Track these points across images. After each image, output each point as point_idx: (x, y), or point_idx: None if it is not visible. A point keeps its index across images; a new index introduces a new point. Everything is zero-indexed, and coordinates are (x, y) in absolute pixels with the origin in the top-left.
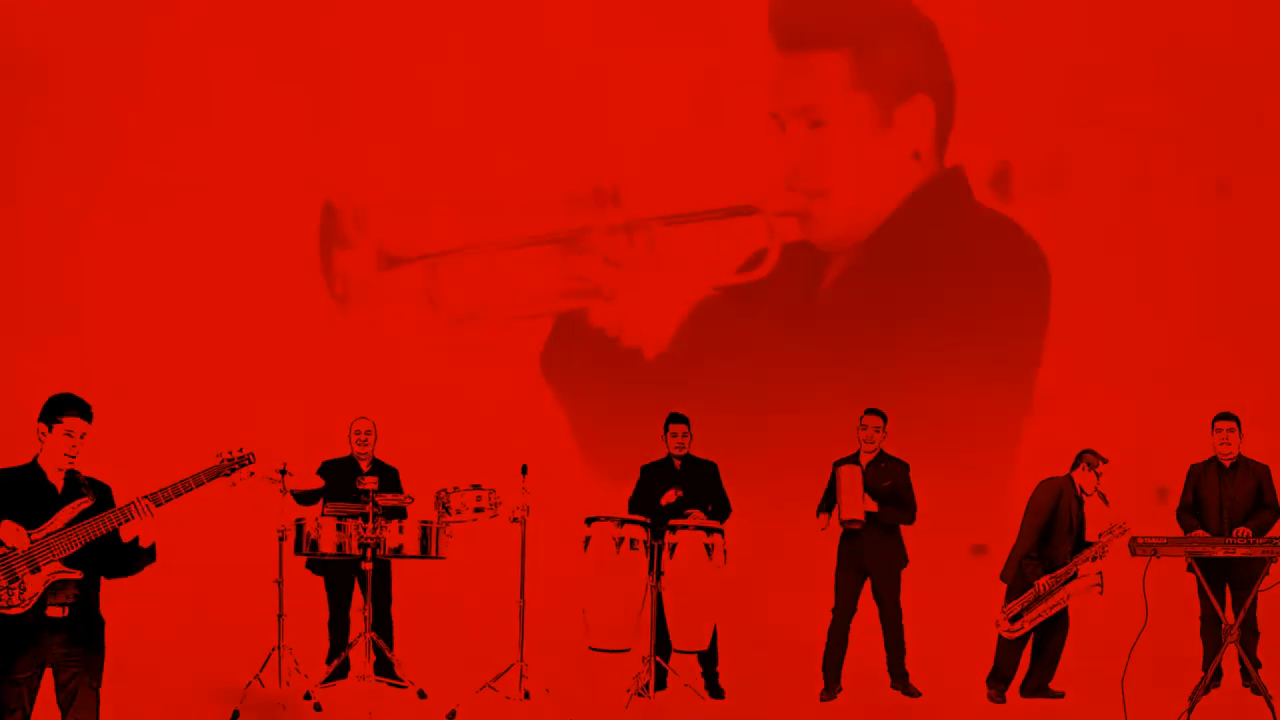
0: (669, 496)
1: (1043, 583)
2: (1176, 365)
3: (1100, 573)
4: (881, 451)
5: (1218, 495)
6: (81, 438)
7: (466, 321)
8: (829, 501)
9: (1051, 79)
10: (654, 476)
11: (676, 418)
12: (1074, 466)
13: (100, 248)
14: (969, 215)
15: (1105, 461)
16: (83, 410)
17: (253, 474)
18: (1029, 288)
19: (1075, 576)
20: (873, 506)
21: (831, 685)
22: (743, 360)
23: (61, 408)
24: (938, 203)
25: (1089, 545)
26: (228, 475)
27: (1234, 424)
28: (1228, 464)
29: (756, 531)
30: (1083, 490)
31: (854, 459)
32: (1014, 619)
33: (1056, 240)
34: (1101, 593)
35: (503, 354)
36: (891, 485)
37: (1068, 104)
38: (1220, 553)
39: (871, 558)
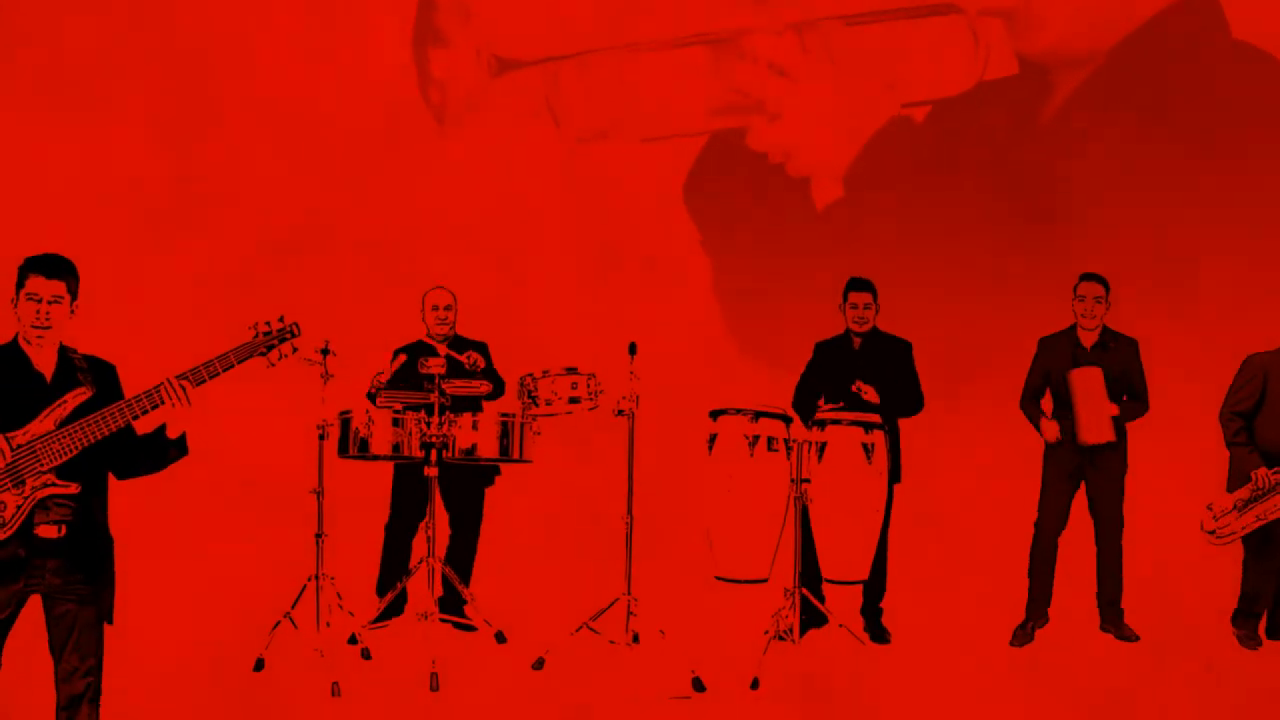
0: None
1: (1261, 474)
2: None
3: None
4: (1105, 327)
5: None
6: (53, 303)
7: (594, 142)
8: (1037, 395)
9: None
10: (829, 356)
11: (858, 283)
12: None
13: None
14: (1225, 50)
15: None
16: (47, 267)
17: (296, 350)
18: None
19: None
20: (1114, 409)
21: (1028, 625)
22: (940, 203)
23: (24, 270)
24: (1187, 29)
25: None
26: (264, 353)
27: None
28: None
29: (941, 429)
30: None
31: (1070, 342)
32: (1226, 518)
33: None
34: None
35: (637, 184)
36: (1124, 371)
37: None
38: None
39: (1094, 460)
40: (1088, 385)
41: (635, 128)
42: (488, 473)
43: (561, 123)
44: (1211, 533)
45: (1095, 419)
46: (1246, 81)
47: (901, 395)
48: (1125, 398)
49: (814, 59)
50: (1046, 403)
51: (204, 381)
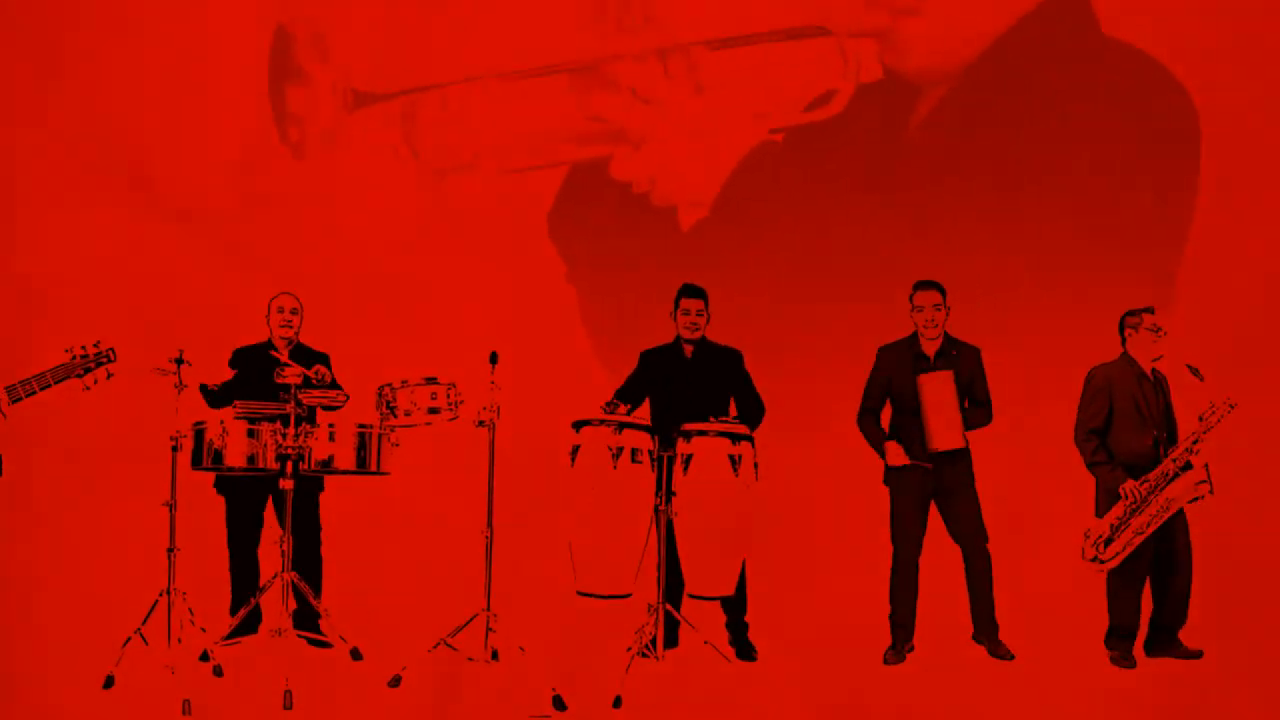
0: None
1: (1130, 488)
2: None
3: (1206, 466)
4: (946, 335)
5: None
6: None
7: (454, 174)
8: (877, 408)
9: None
10: (657, 366)
11: (690, 291)
12: (1123, 342)
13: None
14: (1096, 49)
15: (1150, 312)
16: None
17: (111, 375)
18: (1172, 141)
19: (1176, 475)
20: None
21: (900, 644)
22: (805, 224)
23: None
24: (1055, 31)
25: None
26: (80, 375)
27: None
28: None
29: (802, 443)
30: (1152, 367)
31: (911, 351)
32: (1105, 544)
33: (1208, 85)
34: (1211, 492)
35: (499, 215)
36: (968, 379)
37: None
38: None
39: (942, 474)
40: (938, 390)
41: (496, 159)
42: (319, 479)
43: (420, 155)
44: (1094, 559)
45: (946, 425)
46: (1119, 79)
47: (743, 406)
48: (968, 404)
49: (678, 84)
50: (887, 419)
51: (20, 399)
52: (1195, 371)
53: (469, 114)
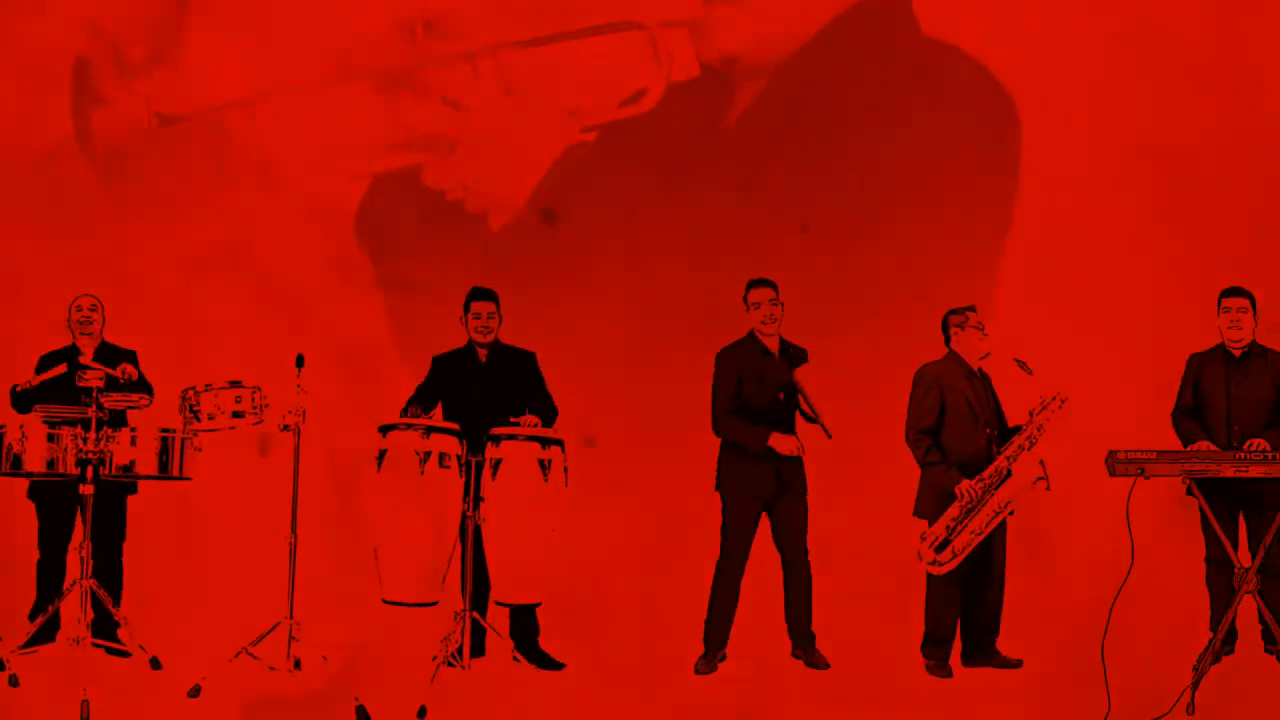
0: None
1: (966, 488)
2: (1178, 231)
3: (1041, 462)
4: (780, 338)
5: (1225, 394)
6: None
7: (262, 186)
8: (736, 405)
9: None
10: (450, 370)
11: (479, 293)
12: (947, 340)
13: None
14: (916, 47)
15: (974, 310)
16: None
17: None
18: (993, 145)
19: (1009, 474)
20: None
21: (711, 655)
22: (621, 224)
23: None
24: (875, 27)
25: (1017, 431)
26: None
27: (1247, 302)
28: (1238, 354)
29: (617, 448)
30: (972, 364)
31: (757, 348)
32: (940, 547)
33: (1026, 82)
34: (1048, 487)
35: (309, 222)
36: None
37: None
38: (1230, 472)
39: (778, 481)
40: (809, 380)
41: (305, 169)
42: (130, 484)
43: (227, 172)
44: (931, 563)
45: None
46: (939, 79)
47: (536, 409)
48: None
49: (488, 87)
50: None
51: None
52: (1024, 365)
53: (276, 128)
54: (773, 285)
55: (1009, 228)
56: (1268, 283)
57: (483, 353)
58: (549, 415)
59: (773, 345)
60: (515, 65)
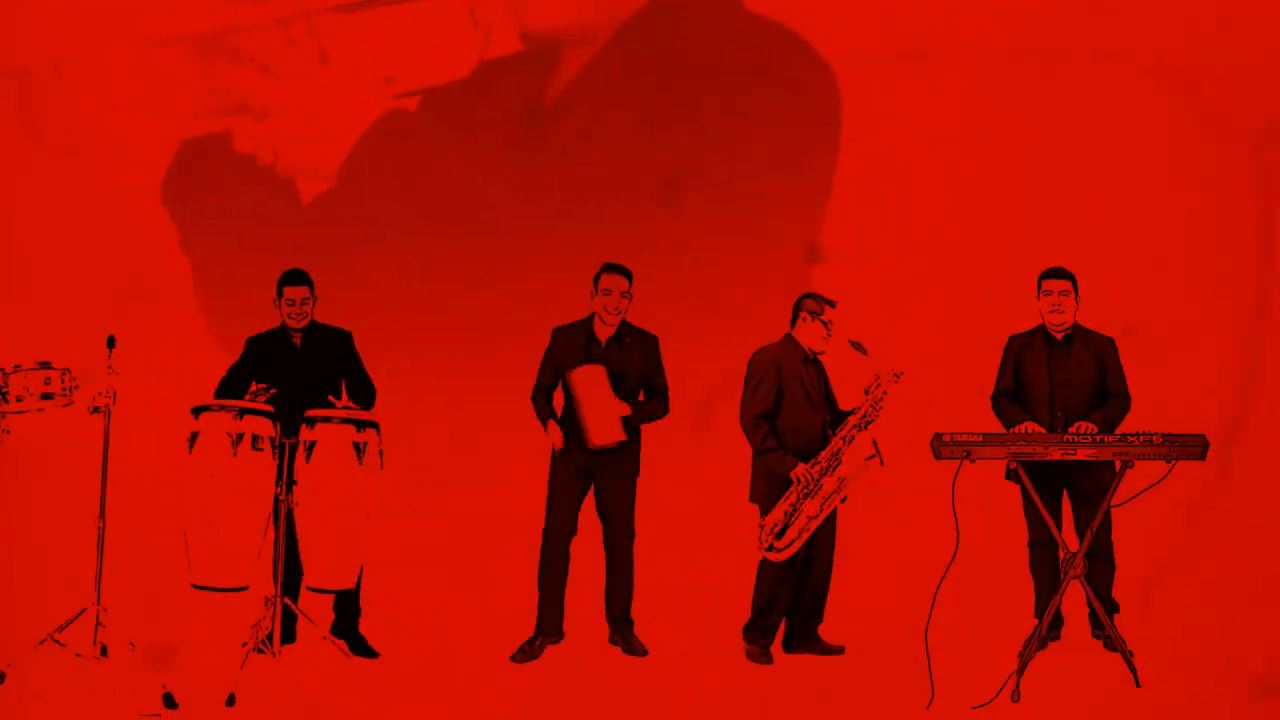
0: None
1: (802, 471)
2: (997, 211)
3: (874, 441)
4: (625, 323)
5: (1047, 378)
6: None
7: (74, 150)
8: (550, 389)
9: None
10: (263, 352)
11: (293, 277)
12: (792, 323)
13: None
14: (739, 21)
15: (833, 305)
16: None
17: None
18: (813, 118)
19: (845, 457)
20: (625, 409)
21: (537, 641)
22: (439, 198)
23: None
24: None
25: (853, 413)
26: None
27: (1068, 284)
28: (1060, 336)
29: (449, 425)
30: (812, 351)
31: (586, 335)
32: (780, 533)
33: (850, 63)
34: (881, 463)
35: (116, 190)
36: (641, 368)
37: None
38: (1057, 455)
39: (599, 464)
40: (590, 384)
41: (115, 133)
42: None
43: (36, 131)
44: (769, 549)
45: (602, 419)
46: (762, 53)
47: (353, 389)
48: (642, 396)
49: (303, 53)
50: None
51: None
52: (859, 346)
53: (88, 88)
54: (626, 274)
55: (828, 204)
56: (1092, 265)
57: (297, 336)
58: (368, 396)
59: (604, 334)
60: (330, 31)
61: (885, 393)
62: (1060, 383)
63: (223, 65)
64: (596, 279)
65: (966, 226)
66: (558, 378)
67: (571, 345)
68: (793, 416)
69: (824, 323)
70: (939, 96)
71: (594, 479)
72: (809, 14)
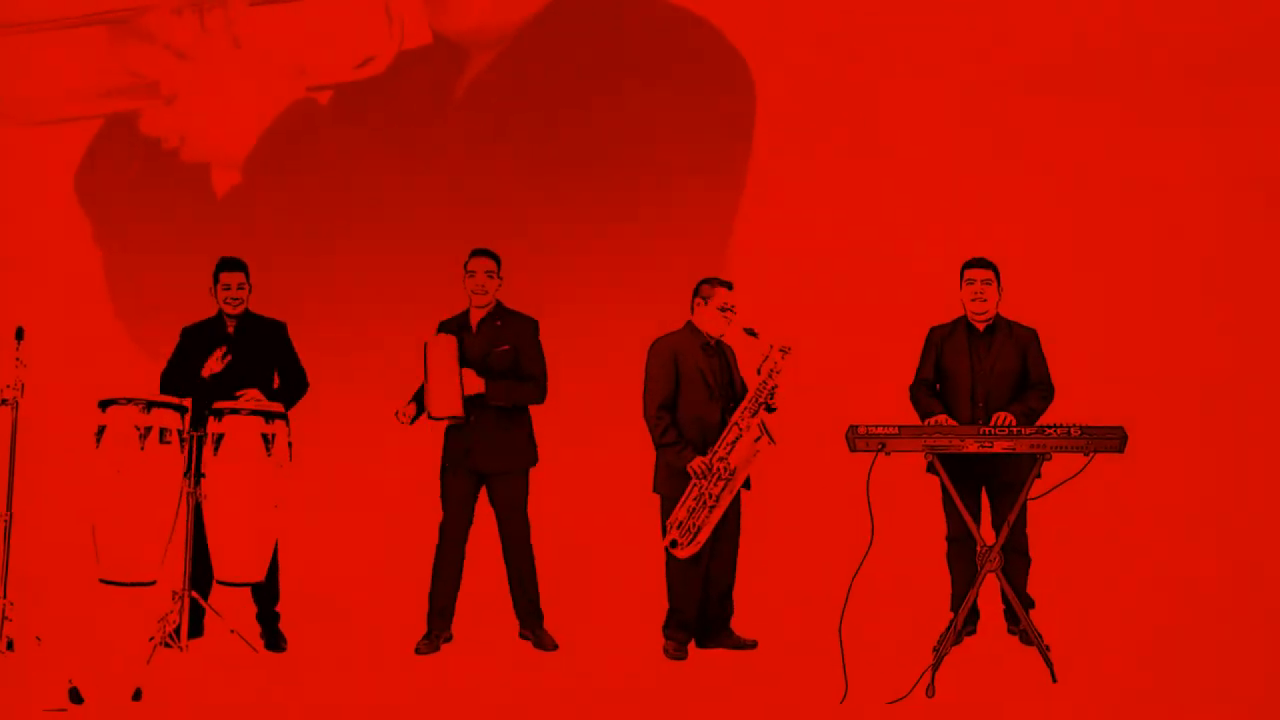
0: (214, 364)
1: (698, 464)
2: (915, 202)
3: (762, 423)
4: (499, 304)
5: (969, 368)
6: None
7: None
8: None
9: None
10: (198, 341)
11: (229, 264)
12: (691, 309)
13: None
14: (651, 12)
15: (728, 287)
16: None
17: None
18: (726, 109)
19: (739, 438)
20: (479, 386)
21: (433, 635)
22: (345, 187)
23: None
24: None
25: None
26: None
27: (991, 274)
28: (981, 327)
29: (343, 414)
30: (711, 336)
31: (459, 320)
32: (682, 528)
33: (763, 51)
34: (772, 442)
35: (25, 170)
36: (512, 349)
37: None
38: (973, 447)
39: (484, 456)
40: (438, 355)
41: (25, 111)
42: None
43: None
44: (673, 544)
45: (444, 391)
46: (676, 46)
47: (286, 378)
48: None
49: (215, 39)
50: None
51: None
52: (751, 332)
53: None
54: (491, 256)
55: (742, 193)
56: (1017, 257)
57: (231, 324)
58: (299, 386)
59: (476, 317)
60: (244, 19)
61: (775, 370)
62: (982, 373)
63: (135, 46)
64: (465, 264)
65: (887, 218)
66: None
67: (445, 329)
68: (692, 406)
69: (719, 308)
70: (855, 84)
71: (485, 473)
72: (725, 7)
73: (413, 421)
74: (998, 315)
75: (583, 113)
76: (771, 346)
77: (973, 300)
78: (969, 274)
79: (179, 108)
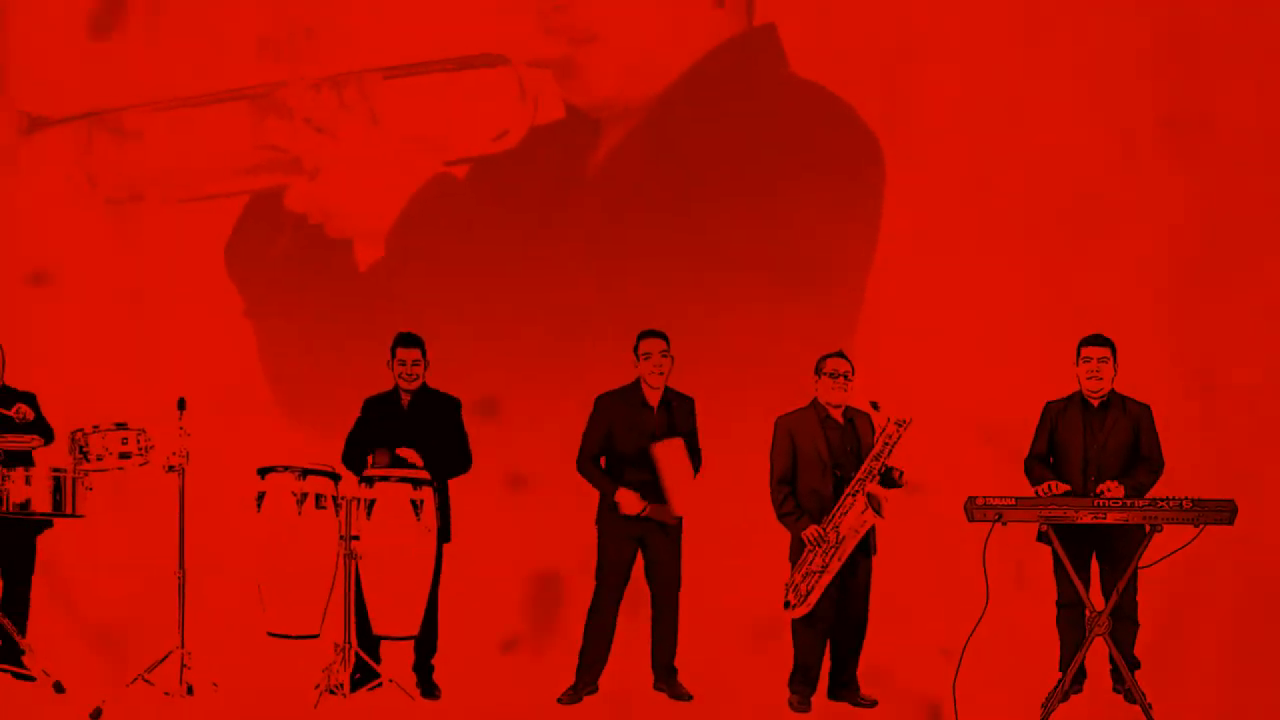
0: (381, 458)
1: (811, 533)
2: (1036, 282)
3: (869, 494)
4: (667, 387)
5: (1082, 443)
6: None
7: (128, 203)
8: (598, 456)
9: None
10: (377, 413)
11: (407, 340)
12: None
13: None
14: (784, 88)
15: (841, 357)
16: None
17: None
18: (857, 186)
19: (850, 510)
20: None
21: (578, 689)
22: (483, 262)
23: None
24: (743, 67)
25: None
26: None
27: (1107, 351)
28: (1096, 403)
29: (489, 484)
30: (829, 407)
31: (636, 400)
32: (797, 589)
33: (895, 129)
34: (880, 514)
35: (176, 247)
36: (689, 431)
37: None
38: (1087, 518)
39: (653, 524)
40: (672, 458)
41: (173, 188)
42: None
43: (95, 182)
44: (787, 605)
45: (685, 491)
46: (807, 118)
47: (449, 455)
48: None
49: (353, 114)
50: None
51: None
52: (875, 405)
53: (146, 140)
54: (663, 337)
55: (869, 269)
56: (1126, 331)
57: (406, 398)
58: (459, 463)
59: (654, 398)
60: (381, 93)
61: (890, 443)
62: (1095, 449)
63: (277, 122)
64: (636, 346)
65: (1008, 293)
66: (604, 444)
67: (620, 411)
68: (808, 480)
69: (829, 375)
70: (984, 164)
71: (643, 537)
72: (851, 74)
73: (641, 513)
74: (1112, 391)
75: (713, 185)
76: (889, 420)
77: (1089, 378)
78: (1085, 351)
79: (321, 182)
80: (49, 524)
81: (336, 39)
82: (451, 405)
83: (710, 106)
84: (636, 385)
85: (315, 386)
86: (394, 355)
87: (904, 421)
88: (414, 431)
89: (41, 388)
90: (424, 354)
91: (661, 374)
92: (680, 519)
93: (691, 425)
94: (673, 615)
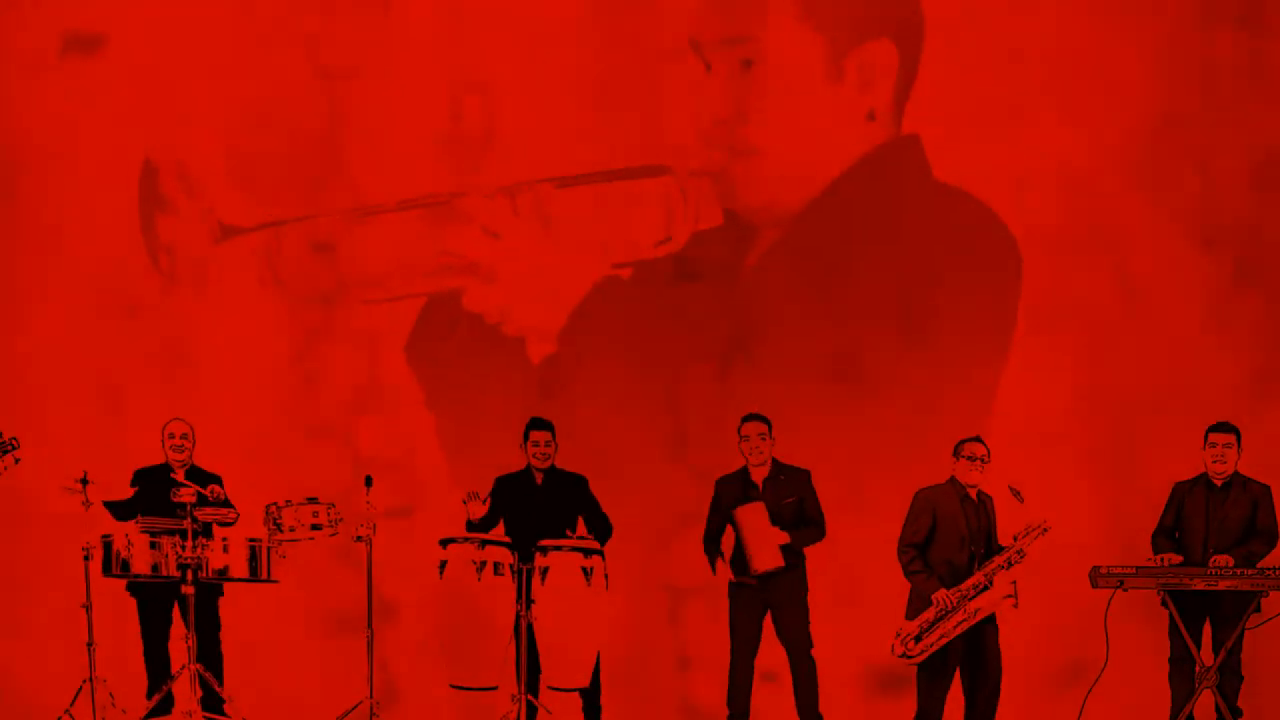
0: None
1: (941, 596)
2: (1165, 372)
3: (1014, 583)
4: (775, 461)
5: (1204, 518)
6: None
7: (315, 304)
8: (717, 534)
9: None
10: (510, 491)
11: (538, 423)
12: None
13: None
14: (927, 193)
15: (978, 441)
16: None
17: (18, 460)
18: (996, 284)
19: (986, 588)
20: (784, 538)
21: None
22: (648, 356)
23: None
24: (890, 174)
25: (1002, 550)
26: None
27: (1233, 437)
28: (1219, 483)
29: (662, 553)
30: (967, 490)
31: (743, 480)
32: (916, 640)
33: (1032, 231)
34: (1016, 605)
35: (359, 343)
36: (797, 500)
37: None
38: (1200, 585)
39: (773, 588)
40: (751, 520)
41: (356, 290)
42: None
43: (285, 285)
44: (902, 655)
45: (763, 549)
46: (949, 222)
47: (591, 526)
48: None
49: (526, 221)
50: (729, 540)
51: None
52: (1016, 494)
53: (329, 246)
54: (763, 420)
55: (1004, 367)
56: (1250, 419)
57: (539, 476)
58: (604, 531)
59: (759, 476)
60: (552, 200)
61: (1032, 540)
62: (1215, 524)
63: (454, 228)
64: (739, 429)
65: (1135, 384)
66: (725, 521)
67: (731, 491)
68: (944, 550)
69: (967, 458)
70: (1120, 275)
71: (770, 604)
72: (994, 186)
73: (740, 585)
74: (1235, 472)
75: (862, 285)
76: (1031, 527)
77: (1214, 461)
78: (1212, 437)
79: (497, 286)
80: (220, 591)
81: (509, 151)
82: (580, 482)
83: (858, 210)
84: (745, 468)
85: (490, 466)
86: (527, 438)
87: (1046, 528)
88: (548, 506)
89: (227, 470)
90: (554, 436)
91: (759, 454)
92: (786, 573)
93: (808, 495)
94: (809, 670)
